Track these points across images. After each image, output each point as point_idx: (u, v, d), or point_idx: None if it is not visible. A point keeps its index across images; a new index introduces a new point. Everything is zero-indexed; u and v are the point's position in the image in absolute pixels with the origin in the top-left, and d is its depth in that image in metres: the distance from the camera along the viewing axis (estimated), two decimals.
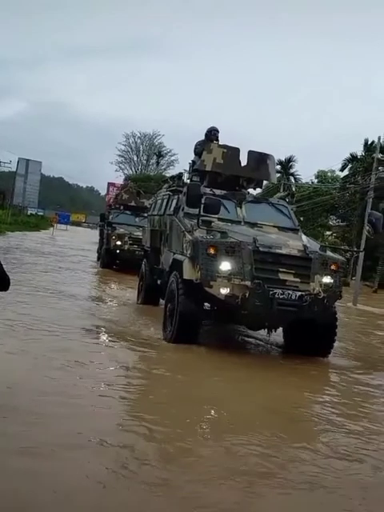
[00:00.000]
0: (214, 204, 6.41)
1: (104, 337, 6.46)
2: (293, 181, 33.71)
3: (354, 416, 4.68)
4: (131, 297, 10.02)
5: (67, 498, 2.66)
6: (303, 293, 5.88)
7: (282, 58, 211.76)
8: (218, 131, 8.38)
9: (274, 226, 7.16)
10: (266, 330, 7.07)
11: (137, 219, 15.97)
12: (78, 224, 75.93)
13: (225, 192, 7.32)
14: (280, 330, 7.16)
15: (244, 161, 7.75)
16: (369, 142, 28.88)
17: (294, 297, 5.83)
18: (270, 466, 3.32)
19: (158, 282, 8.18)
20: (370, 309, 15.63)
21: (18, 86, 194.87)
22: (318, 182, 33.15)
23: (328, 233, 31.18)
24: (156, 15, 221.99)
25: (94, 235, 35.88)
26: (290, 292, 5.84)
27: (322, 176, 33.65)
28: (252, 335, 7.81)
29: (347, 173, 30.26)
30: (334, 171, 33.17)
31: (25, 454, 3.04)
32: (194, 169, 8.06)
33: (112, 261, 15.65)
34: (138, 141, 56.49)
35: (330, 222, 32.57)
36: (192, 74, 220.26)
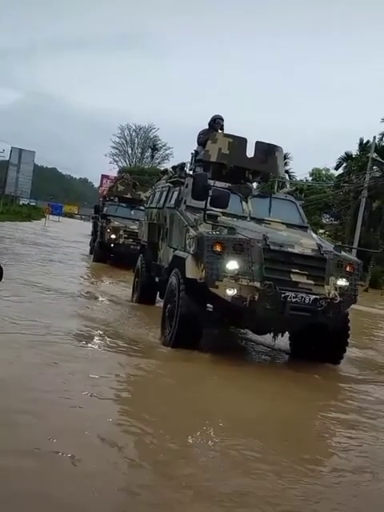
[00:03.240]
0: (223, 197, 5.85)
1: (95, 339, 5.90)
2: (287, 178, 33.52)
3: (365, 425, 4.34)
4: (125, 294, 9.45)
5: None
6: (318, 296, 5.37)
7: (276, 54, 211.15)
8: (222, 120, 7.83)
9: (281, 223, 6.67)
10: (270, 333, 6.59)
11: (132, 212, 15.40)
12: (71, 215, 75.32)
13: (229, 185, 6.80)
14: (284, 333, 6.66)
15: (250, 152, 7.24)
16: (364, 142, 28.92)
17: (307, 300, 5.32)
18: (269, 475, 3.14)
19: (157, 279, 7.65)
20: (365, 308, 15.20)
21: (13, 76, 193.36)
22: (312, 180, 33.05)
23: (321, 231, 31.07)
24: (150, 9, 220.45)
25: (86, 227, 35.61)
26: (304, 295, 5.32)
27: (316, 174, 33.63)
28: (254, 339, 7.31)
29: (342, 171, 30.38)
30: (328, 170, 33.26)
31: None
32: (197, 159, 7.54)
33: (106, 255, 15.02)
34: (133, 133, 56.16)
35: (323, 220, 32.48)
36: (186, 70, 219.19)
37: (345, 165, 29.89)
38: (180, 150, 50.75)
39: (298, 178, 33.71)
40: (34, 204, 66.79)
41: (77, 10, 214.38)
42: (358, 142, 29.44)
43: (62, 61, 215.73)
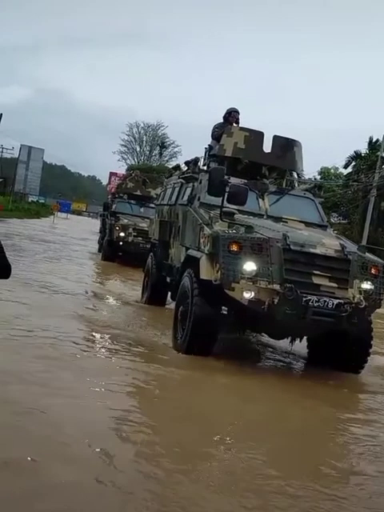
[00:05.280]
0: (241, 193, 5.49)
1: (101, 342, 5.57)
2: (296, 176, 33.14)
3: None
4: (134, 295, 9.13)
5: None
6: (341, 301, 5.01)
7: (285, 50, 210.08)
8: (238, 113, 7.48)
9: (300, 221, 6.33)
10: (288, 338, 6.23)
11: (142, 209, 15.10)
12: (79, 213, 75.38)
13: (245, 181, 6.45)
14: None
15: (267, 147, 6.89)
16: (373, 140, 28.62)
17: (330, 305, 4.95)
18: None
19: (168, 279, 7.32)
20: (378, 310, 14.75)
21: (21, 74, 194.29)
22: (320, 178, 32.71)
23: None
24: (156, 4, 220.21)
25: (94, 224, 35.41)
26: (327, 299, 4.95)
27: (325, 173, 33.28)
28: (270, 343, 6.96)
29: (351, 170, 29.99)
30: (337, 168, 32.89)
31: None
32: (211, 154, 7.21)
33: (114, 253, 14.70)
34: (142, 131, 55.93)
35: (331, 219, 32.15)
36: (193, 67, 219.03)
37: (354, 164, 29.56)
38: (187, 147, 50.51)
39: (306, 177, 33.36)
40: (42, 201, 66.84)
41: (84, 6, 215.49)
42: (368, 140, 29.15)
43: (70, 57, 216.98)
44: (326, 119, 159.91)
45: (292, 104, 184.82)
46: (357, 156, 29.22)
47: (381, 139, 26.19)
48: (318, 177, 32.87)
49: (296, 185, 8.07)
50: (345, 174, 31.52)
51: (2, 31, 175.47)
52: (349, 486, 3.16)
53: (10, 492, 2.46)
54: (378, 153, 25.40)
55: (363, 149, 29.18)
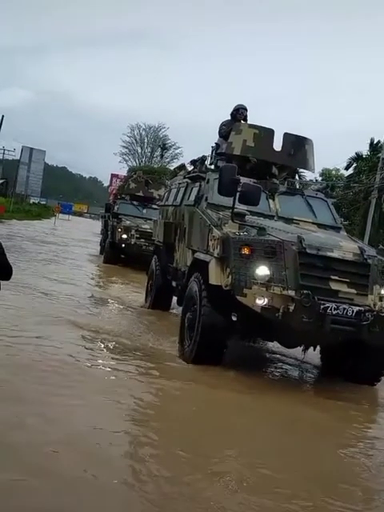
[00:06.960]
0: (254, 192, 5.17)
1: (102, 351, 5.23)
2: (297, 178, 32.93)
3: None
4: (137, 299, 8.81)
5: None
6: (362, 308, 4.67)
7: (285, 51, 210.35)
8: (246, 109, 7.15)
9: (312, 223, 6.01)
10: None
11: (145, 211, 14.78)
12: (80, 214, 75.24)
13: (254, 180, 6.13)
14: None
15: (277, 145, 6.57)
16: (374, 142, 28.42)
17: (350, 313, 4.60)
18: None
19: (173, 283, 7.00)
20: None
21: (23, 75, 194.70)
22: (322, 179, 32.49)
23: None
24: (158, 5, 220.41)
25: (95, 226, 35.35)
26: (346, 307, 4.62)
27: (326, 174, 33.12)
28: (279, 350, 6.62)
29: (352, 172, 29.77)
30: (338, 170, 32.71)
31: None
32: (219, 153, 6.90)
33: (116, 256, 14.37)
34: (143, 132, 55.62)
35: None
36: (196, 68, 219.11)
37: (355, 165, 29.38)
38: (188, 149, 50.44)
39: (307, 178, 33.20)
40: (44, 203, 66.62)
41: (87, 7, 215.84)
42: (369, 142, 28.95)
43: (73, 59, 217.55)
44: (327, 120, 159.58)
45: (292, 105, 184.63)
46: (358, 157, 29.09)
47: (382, 141, 25.98)
48: (319, 178, 32.73)
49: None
50: (346, 175, 31.36)
51: (4, 32, 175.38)
52: (361, 500, 3.07)
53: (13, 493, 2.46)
54: (380, 154, 25.17)
55: (364, 150, 29.06)
